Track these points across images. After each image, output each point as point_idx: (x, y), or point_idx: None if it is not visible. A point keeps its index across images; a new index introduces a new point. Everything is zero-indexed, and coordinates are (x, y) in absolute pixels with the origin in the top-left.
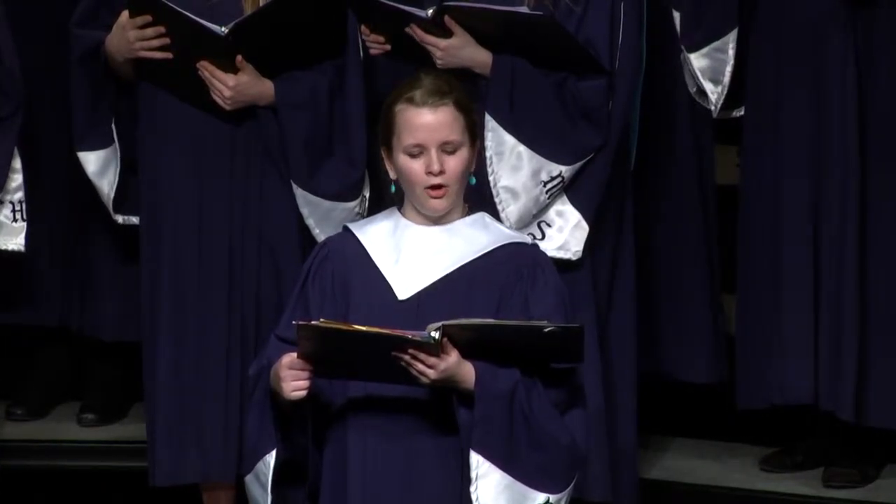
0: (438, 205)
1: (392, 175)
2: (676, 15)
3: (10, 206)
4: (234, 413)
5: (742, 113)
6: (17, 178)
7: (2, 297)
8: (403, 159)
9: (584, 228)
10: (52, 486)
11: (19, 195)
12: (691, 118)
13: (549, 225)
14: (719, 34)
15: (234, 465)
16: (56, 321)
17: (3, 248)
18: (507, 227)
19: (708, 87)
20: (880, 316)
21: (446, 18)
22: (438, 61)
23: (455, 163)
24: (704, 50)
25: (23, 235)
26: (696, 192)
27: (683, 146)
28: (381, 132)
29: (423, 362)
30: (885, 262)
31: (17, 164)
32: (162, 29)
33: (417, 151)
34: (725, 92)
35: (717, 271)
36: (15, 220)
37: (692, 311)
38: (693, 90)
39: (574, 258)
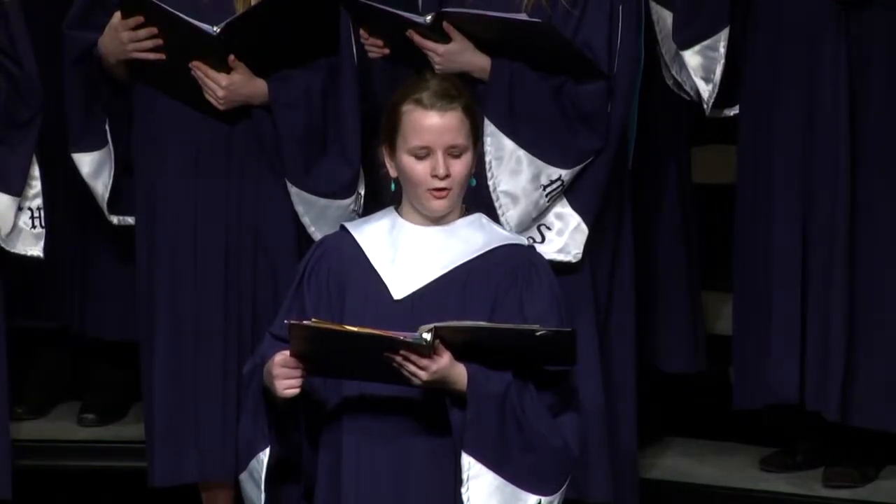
0: (440, 205)
1: (392, 173)
2: (662, 13)
3: (29, 212)
4: (231, 413)
5: (735, 112)
6: (35, 185)
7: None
8: (408, 160)
9: (584, 231)
10: (51, 485)
11: (38, 202)
12: (672, 116)
13: (548, 228)
14: (711, 32)
15: (233, 465)
16: (57, 322)
17: (23, 253)
18: (503, 229)
19: (700, 85)
20: (867, 317)
21: (445, 24)
22: (437, 66)
23: (460, 167)
24: (696, 48)
25: (42, 242)
26: (675, 190)
27: (661, 144)
28: (383, 130)
29: (414, 363)
30: (873, 263)
31: (35, 171)
32: (154, 30)
33: (424, 154)
34: (716, 90)
35: (697, 268)
36: (34, 226)
37: (670, 304)
38: (670, 82)
39: (574, 260)
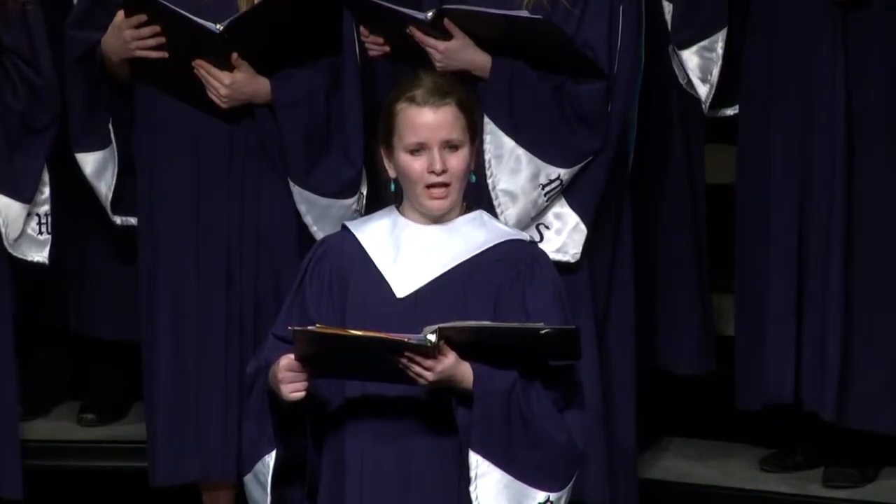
0: (439, 205)
1: (391, 174)
2: (667, 7)
3: (37, 218)
4: (233, 412)
5: (734, 111)
6: (44, 192)
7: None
8: (404, 158)
9: (583, 231)
10: (51, 485)
11: (46, 208)
12: (682, 115)
13: (547, 227)
14: (708, 33)
15: (234, 464)
16: (56, 322)
17: (30, 259)
18: (505, 225)
19: (698, 85)
20: (863, 318)
21: (445, 21)
22: (437, 64)
23: (457, 161)
24: (693, 48)
25: (47, 248)
26: (687, 190)
27: (674, 144)
28: (380, 131)
29: (419, 365)
30: (869, 264)
31: (45, 177)
32: (157, 28)
33: (420, 150)
34: (713, 91)
35: (706, 268)
36: (41, 232)
37: (680, 306)
38: (684, 81)
39: (572, 260)
